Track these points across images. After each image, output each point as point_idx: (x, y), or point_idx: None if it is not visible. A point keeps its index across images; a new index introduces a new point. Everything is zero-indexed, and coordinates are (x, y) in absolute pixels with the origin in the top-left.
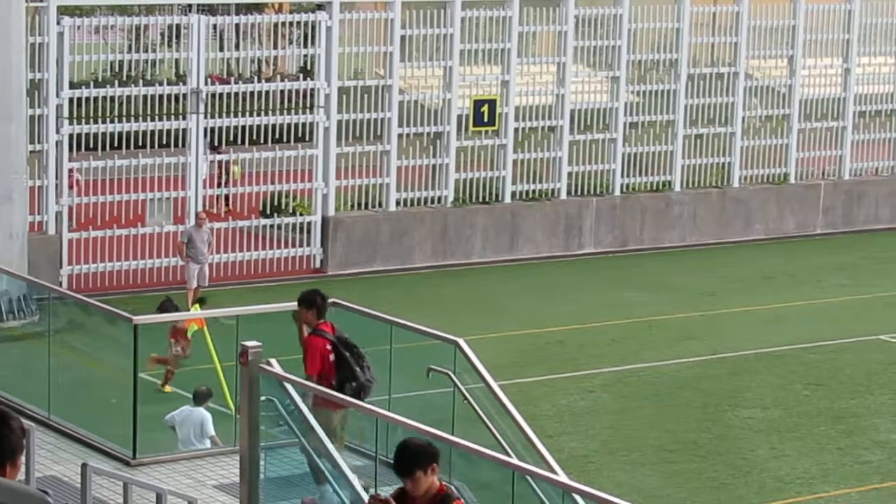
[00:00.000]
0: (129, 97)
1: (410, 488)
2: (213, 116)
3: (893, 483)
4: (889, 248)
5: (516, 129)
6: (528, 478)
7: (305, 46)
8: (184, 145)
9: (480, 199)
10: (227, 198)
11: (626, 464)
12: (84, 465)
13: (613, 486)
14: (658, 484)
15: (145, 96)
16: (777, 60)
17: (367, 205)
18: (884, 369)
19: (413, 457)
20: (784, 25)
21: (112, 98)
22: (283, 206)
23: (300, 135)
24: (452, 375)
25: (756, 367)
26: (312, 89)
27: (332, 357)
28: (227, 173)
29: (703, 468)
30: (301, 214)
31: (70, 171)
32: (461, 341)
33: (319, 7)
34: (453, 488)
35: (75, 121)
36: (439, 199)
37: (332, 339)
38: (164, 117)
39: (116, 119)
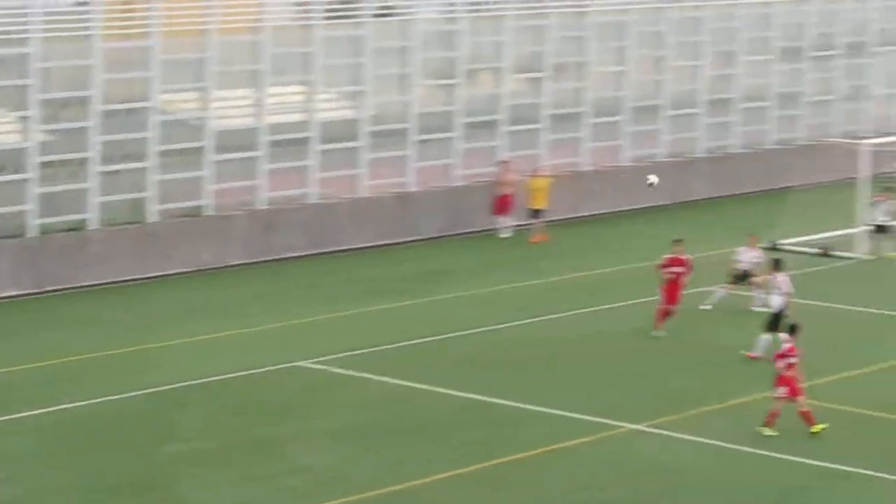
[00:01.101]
0: None
1: None
2: None
3: None
4: (305, 276)
5: None
6: None
7: None
8: None
9: None
10: None
11: None
12: None
13: None
14: None
15: None
16: (190, 93)
17: None
18: (301, 395)
19: None
20: (195, 59)
21: None
22: None
23: None
24: None
25: (182, 399)
26: None
27: None
28: None
29: None
30: None
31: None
32: None
33: None
34: None
35: None
36: None
37: None
38: None
39: None
